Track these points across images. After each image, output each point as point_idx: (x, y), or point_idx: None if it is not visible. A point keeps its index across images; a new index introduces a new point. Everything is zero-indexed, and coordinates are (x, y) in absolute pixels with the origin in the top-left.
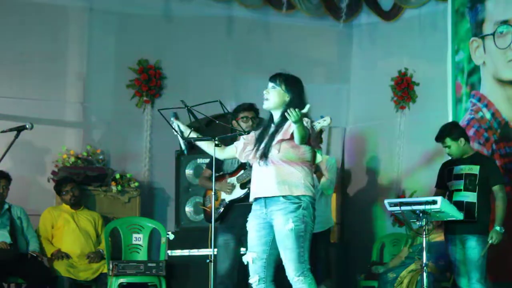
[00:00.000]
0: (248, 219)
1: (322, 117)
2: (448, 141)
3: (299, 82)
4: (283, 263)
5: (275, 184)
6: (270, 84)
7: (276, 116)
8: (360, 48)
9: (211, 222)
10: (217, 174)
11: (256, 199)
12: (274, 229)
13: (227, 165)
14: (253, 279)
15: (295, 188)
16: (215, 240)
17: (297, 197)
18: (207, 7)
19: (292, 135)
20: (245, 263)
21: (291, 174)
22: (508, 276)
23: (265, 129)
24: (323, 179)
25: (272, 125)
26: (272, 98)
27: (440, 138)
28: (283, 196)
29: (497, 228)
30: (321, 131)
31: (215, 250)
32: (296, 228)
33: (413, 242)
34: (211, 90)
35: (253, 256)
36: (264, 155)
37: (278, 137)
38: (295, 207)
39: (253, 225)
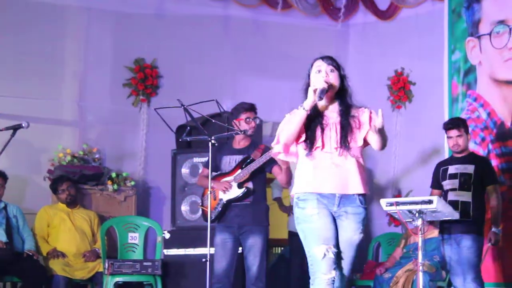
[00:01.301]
0: (309, 208)
1: None
2: (462, 131)
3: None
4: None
5: (358, 181)
6: (328, 67)
7: (331, 102)
8: (357, 48)
9: (211, 222)
10: (215, 173)
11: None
12: (339, 232)
13: (224, 164)
14: (328, 275)
15: (367, 186)
16: (213, 239)
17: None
18: (203, 6)
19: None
20: (321, 257)
21: (364, 170)
22: (503, 276)
23: (312, 115)
24: None
25: (325, 111)
26: (334, 82)
27: (455, 125)
28: (361, 196)
29: (494, 229)
30: None
31: (212, 249)
32: (361, 240)
33: (406, 242)
34: (207, 89)
35: (334, 250)
36: (344, 145)
37: (359, 128)
38: (365, 214)
39: (326, 215)
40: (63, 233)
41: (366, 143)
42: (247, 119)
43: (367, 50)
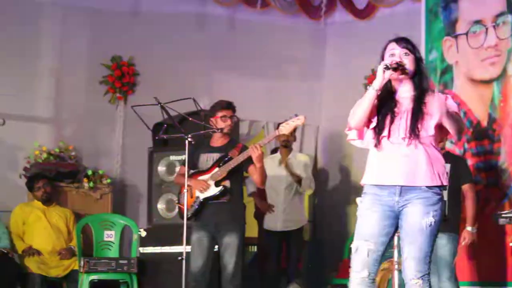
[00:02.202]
0: (363, 203)
1: (296, 115)
2: None
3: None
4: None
5: (426, 172)
6: (402, 50)
7: (405, 88)
8: (334, 46)
9: (189, 219)
10: (192, 171)
11: (381, 186)
12: (404, 219)
13: (202, 163)
14: (360, 274)
15: (442, 176)
16: (189, 238)
17: (442, 187)
18: (181, 4)
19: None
20: (353, 252)
21: (437, 160)
22: (478, 275)
23: (384, 101)
24: (302, 180)
25: (398, 97)
26: (409, 66)
27: None
28: (429, 187)
29: (469, 228)
30: (294, 129)
31: (188, 247)
32: (434, 224)
33: None
34: (184, 87)
35: (370, 247)
36: (414, 133)
37: (431, 115)
38: (437, 199)
39: (376, 211)
40: (39, 230)
41: (446, 131)
42: (223, 117)
43: (345, 49)
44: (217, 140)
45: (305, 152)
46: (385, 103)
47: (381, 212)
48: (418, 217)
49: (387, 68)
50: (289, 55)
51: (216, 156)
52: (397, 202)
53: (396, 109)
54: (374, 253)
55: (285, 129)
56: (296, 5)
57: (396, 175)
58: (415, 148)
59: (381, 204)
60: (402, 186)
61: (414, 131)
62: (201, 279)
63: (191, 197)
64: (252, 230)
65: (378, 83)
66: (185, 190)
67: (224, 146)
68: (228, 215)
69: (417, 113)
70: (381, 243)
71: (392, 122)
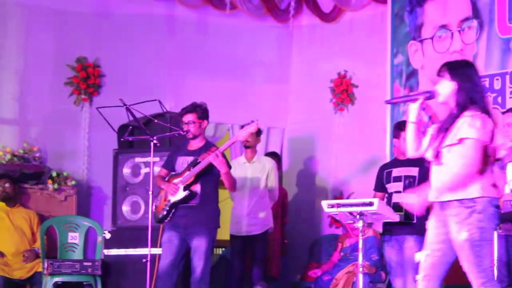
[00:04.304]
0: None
1: (252, 121)
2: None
3: (465, 65)
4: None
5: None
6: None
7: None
8: (300, 49)
9: (157, 222)
10: (171, 174)
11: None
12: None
13: (178, 165)
14: (419, 277)
15: (469, 189)
16: (157, 239)
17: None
18: (147, 6)
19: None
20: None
21: (465, 173)
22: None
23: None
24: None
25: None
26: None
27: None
28: (458, 201)
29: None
30: (259, 132)
31: (153, 249)
32: (467, 239)
33: (342, 245)
34: (150, 89)
35: (425, 254)
36: (439, 152)
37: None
38: (468, 212)
39: (434, 221)
40: (2, 232)
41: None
42: (186, 122)
43: (311, 52)
44: (193, 144)
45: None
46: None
47: (438, 222)
48: (454, 235)
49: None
50: (256, 57)
51: (190, 159)
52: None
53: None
54: (430, 258)
55: (240, 135)
56: (263, 8)
57: (433, 192)
58: (442, 164)
59: (436, 215)
60: (439, 202)
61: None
62: (167, 279)
63: (164, 200)
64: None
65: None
66: (150, 192)
67: (198, 150)
68: (197, 218)
69: (444, 130)
70: (437, 249)
71: (431, 141)
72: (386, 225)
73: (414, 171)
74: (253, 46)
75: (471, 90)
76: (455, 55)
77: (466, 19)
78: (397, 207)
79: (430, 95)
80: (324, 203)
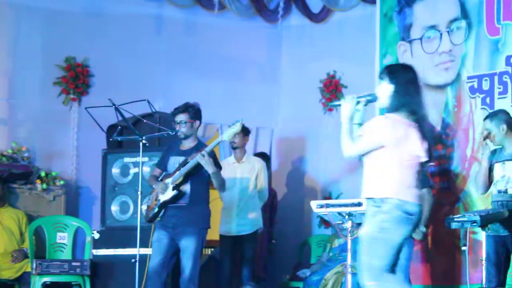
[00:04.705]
0: None
1: (238, 121)
2: None
3: (404, 69)
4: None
5: (369, 185)
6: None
7: None
8: (290, 50)
9: (147, 222)
10: (166, 173)
11: None
12: None
13: (170, 165)
14: None
15: (381, 189)
16: (145, 239)
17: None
18: (137, 6)
19: None
20: None
21: (380, 174)
22: (430, 278)
23: None
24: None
25: None
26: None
27: None
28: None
29: (420, 228)
30: (247, 131)
31: (142, 249)
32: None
33: (331, 246)
34: (139, 89)
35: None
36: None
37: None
38: (375, 211)
39: None
40: None
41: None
42: (177, 122)
43: (300, 53)
44: (185, 144)
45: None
46: None
47: None
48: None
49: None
50: (245, 58)
51: (182, 159)
52: None
53: None
54: None
55: (226, 135)
56: (252, 9)
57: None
58: (364, 164)
59: None
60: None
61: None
62: (155, 278)
63: (155, 199)
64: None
65: None
66: (139, 192)
67: (190, 150)
68: (186, 218)
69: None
70: None
71: None
72: None
73: None
74: (242, 46)
75: (404, 94)
76: (444, 55)
77: (455, 19)
78: None
79: (372, 98)
80: (313, 203)
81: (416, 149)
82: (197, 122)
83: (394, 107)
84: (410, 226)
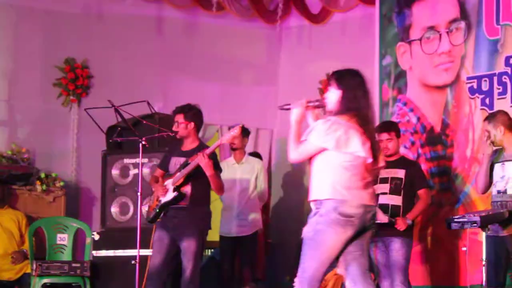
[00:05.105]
0: None
1: (237, 125)
2: (393, 135)
3: (351, 74)
4: None
5: (312, 187)
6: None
7: None
8: (289, 51)
9: (148, 222)
10: (167, 174)
11: None
12: None
13: (171, 166)
14: None
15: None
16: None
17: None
18: (136, 7)
19: None
20: None
21: (321, 177)
22: (430, 279)
23: None
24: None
25: None
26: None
27: (386, 129)
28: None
29: (407, 219)
30: (247, 133)
31: (142, 250)
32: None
33: None
34: (139, 91)
35: None
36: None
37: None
38: (314, 212)
39: None
40: None
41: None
42: (175, 123)
43: (299, 53)
44: (187, 145)
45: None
46: None
47: None
48: None
49: None
50: (244, 59)
51: (182, 160)
52: None
53: None
54: None
55: (225, 138)
56: (251, 9)
57: None
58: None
59: None
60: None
61: None
62: (155, 278)
63: (157, 200)
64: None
65: None
66: (139, 194)
67: (190, 151)
68: (186, 220)
69: None
70: None
71: None
72: None
73: (401, 173)
74: (241, 47)
75: (351, 99)
76: (443, 56)
77: (454, 20)
78: (383, 208)
79: (320, 103)
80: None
81: (357, 150)
82: (192, 123)
83: (342, 112)
84: (349, 229)
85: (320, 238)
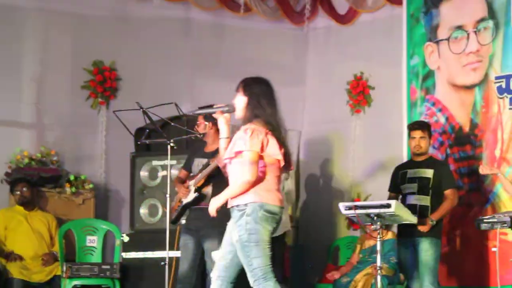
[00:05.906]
0: None
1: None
2: (426, 133)
3: (256, 82)
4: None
5: None
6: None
7: None
8: (316, 52)
9: (171, 223)
10: (191, 175)
11: None
12: None
13: (194, 167)
14: (213, 274)
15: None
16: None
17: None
18: (164, 9)
19: None
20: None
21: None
22: (461, 280)
23: None
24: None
25: None
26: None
27: (421, 127)
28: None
29: (431, 219)
30: None
31: (171, 252)
32: (240, 238)
33: (361, 247)
34: (166, 92)
35: (220, 255)
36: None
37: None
38: (240, 215)
39: (230, 225)
40: (20, 236)
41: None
42: (197, 123)
43: (327, 54)
44: (209, 146)
45: None
46: None
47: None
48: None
49: None
50: (272, 60)
51: (205, 161)
52: None
53: None
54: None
55: None
56: (278, 11)
57: None
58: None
59: None
60: None
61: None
62: (186, 281)
63: (179, 201)
64: None
65: None
66: (167, 195)
67: (213, 152)
68: (208, 221)
69: None
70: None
71: None
72: (401, 226)
73: (429, 172)
74: (268, 48)
75: (256, 106)
76: (472, 56)
77: (482, 19)
78: (411, 209)
79: (229, 109)
80: (341, 205)
81: (276, 153)
82: (210, 123)
83: (248, 119)
84: (274, 223)
85: (255, 235)
